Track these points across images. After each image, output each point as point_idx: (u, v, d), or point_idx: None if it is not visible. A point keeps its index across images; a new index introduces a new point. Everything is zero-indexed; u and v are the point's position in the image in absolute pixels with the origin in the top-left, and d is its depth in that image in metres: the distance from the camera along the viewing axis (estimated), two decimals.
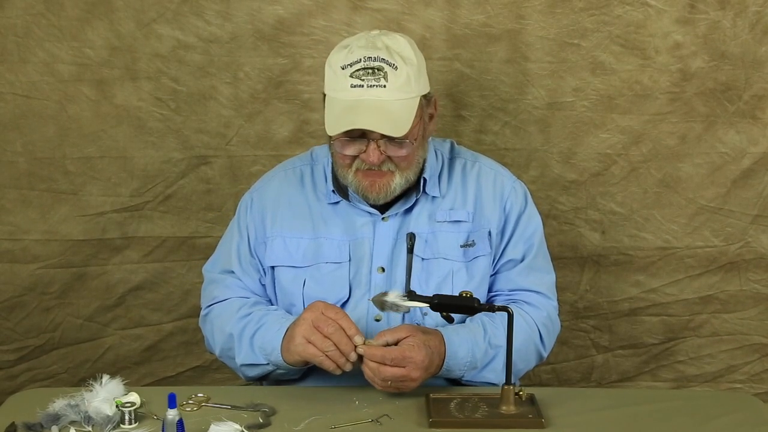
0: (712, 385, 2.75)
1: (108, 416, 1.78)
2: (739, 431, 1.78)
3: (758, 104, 2.54)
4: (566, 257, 2.67)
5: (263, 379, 2.08)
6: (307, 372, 2.04)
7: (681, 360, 2.76)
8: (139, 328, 2.75)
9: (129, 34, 2.52)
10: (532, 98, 2.56)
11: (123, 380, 1.86)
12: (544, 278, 2.14)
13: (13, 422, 1.78)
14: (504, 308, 1.83)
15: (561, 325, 2.18)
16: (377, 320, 2.05)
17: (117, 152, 2.61)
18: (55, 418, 1.77)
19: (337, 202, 2.10)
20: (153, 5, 2.51)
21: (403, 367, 1.84)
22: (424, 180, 2.08)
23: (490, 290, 2.12)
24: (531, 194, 2.18)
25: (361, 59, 1.94)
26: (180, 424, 1.69)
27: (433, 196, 2.10)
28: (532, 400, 1.85)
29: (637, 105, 2.55)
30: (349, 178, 2.01)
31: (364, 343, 1.85)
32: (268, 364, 1.98)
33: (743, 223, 2.63)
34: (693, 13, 2.48)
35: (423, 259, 2.06)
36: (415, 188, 2.07)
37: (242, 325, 2.01)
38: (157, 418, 1.80)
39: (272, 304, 2.12)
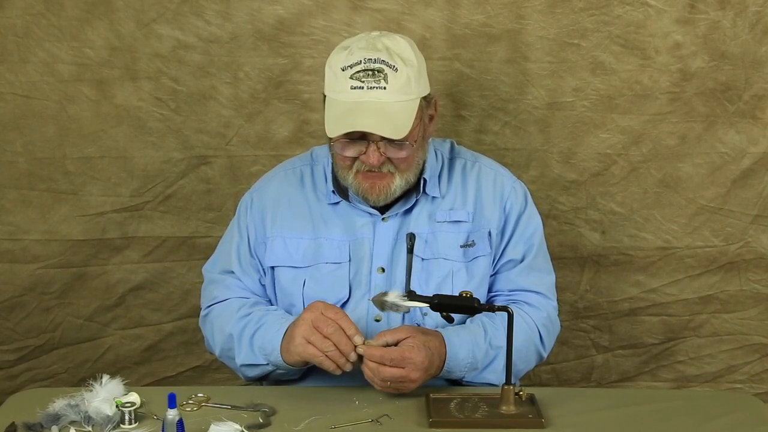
0: (712, 385, 2.75)
1: (108, 416, 1.78)
2: (739, 431, 1.78)
3: (758, 104, 2.54)
4: (566, 257, 2.67)
5: (263, 379, 2.08)
6: (307, 372, 2.04)
7: (681, 360, 2.76)
8: (139, 328, 2.75)
9: (129, 34, 2.52)
10: (532, 98, 2.56)
11: (123, 380, 1.86)
12: (544, 278, 2.14)
13: (13, 422, 1.78)
14: (504, 308, 1.83)
15: (561, 326, 2.19)
16: (377, 320, 2.05)
17: (117, 152, 2.61)
18: (55, 418, 1.77)
19: (337, 203, 2.10)
20: (153, 5, 2.50)
21: (403, 367, 1.83)
22: (424, 180, 2.08)
23: (490, 290, 2.12)
24: (531, 194, 2.18)
25: (361, 61, 1.94)
26: (180, 424, 1.69)
27: (433, 197, 2.10)
28: (532, 400, 1.85)
29: (637, 105, 2.55)
30: (350, 179, 2.01)
31: (363, 344, 1.85)
32: (267, 364, 1.98)
33: (743, 223, 2.63)
34: (693, 13, 2.48)
35: (423, 259, 2.06)
36: (415, 188, 2.07)
37: (242, 326, 2.01)
38: (157, 418, 1.80)
39: (272, 305, 2.12)
